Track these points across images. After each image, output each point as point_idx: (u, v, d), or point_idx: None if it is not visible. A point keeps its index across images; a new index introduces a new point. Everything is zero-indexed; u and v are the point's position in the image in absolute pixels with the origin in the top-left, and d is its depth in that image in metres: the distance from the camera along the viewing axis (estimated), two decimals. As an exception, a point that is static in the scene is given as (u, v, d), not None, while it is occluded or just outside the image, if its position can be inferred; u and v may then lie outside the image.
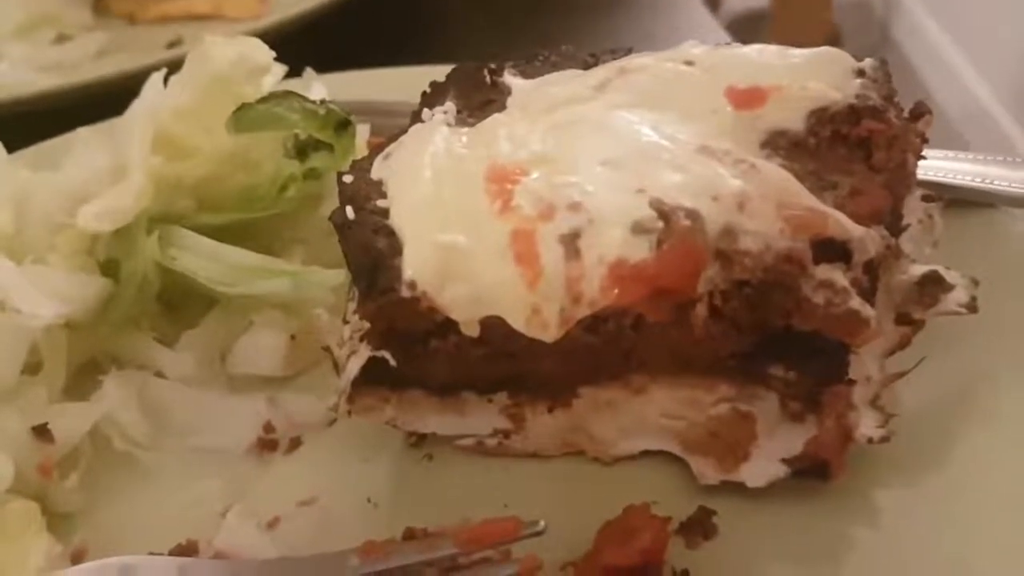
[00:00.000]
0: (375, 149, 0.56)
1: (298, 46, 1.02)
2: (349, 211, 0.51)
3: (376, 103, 0.82)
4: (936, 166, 0.64)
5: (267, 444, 0.58)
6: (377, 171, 0.54)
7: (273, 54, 0.69)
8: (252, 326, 0.62)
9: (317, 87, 0.73)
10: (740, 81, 0.54)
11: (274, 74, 0.72)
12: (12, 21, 1.11)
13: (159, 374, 0.61)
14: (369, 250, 0.49)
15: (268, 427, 0.59)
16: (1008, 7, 3.31)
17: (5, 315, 0.56)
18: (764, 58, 0.55)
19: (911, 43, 3.84)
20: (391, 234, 0.50)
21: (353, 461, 0.57)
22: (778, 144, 0.52)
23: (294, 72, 0.77)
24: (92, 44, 1.11)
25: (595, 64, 0.60)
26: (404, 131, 0.58)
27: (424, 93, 0.60)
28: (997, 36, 3.36)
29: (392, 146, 0.55)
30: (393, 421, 0.55)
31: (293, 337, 0.62)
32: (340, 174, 0.54)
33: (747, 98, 0.53)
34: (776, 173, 0.50)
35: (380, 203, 0.51)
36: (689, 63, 0.56)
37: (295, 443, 0.58)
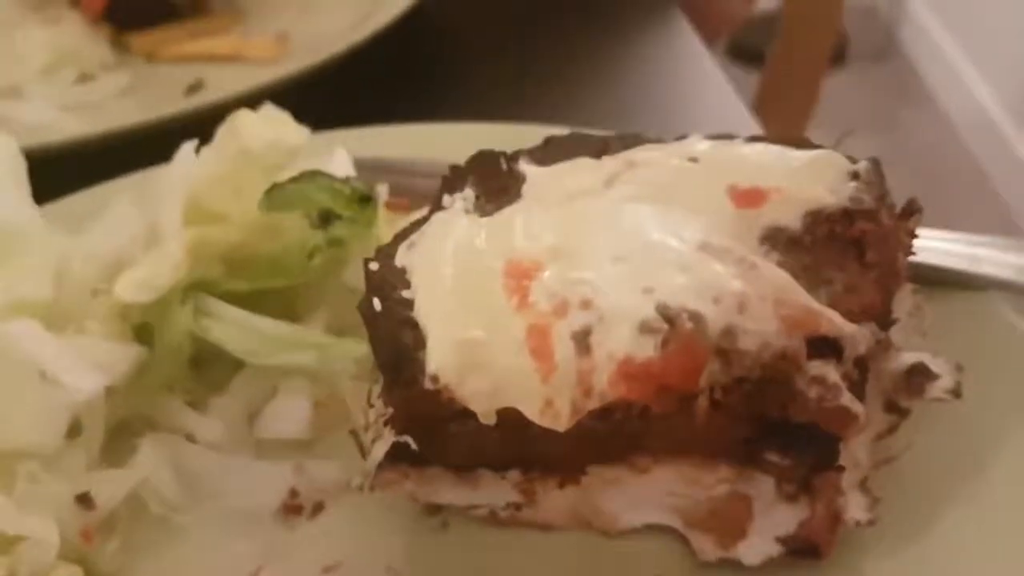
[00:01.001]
0: (398, 236, 0.60)
1: (317, 91, 1.06)
2: (376, 303, 0.54)
3: (394, 161, 0.86)
4: (927, 247, 0.67)
5: (292, 509, 0.62)
6: (401, 259, 0.58)
7: (300, 129, 0.73)
8: (278, 392, 0.65)
9: (340, 155, 0.76)
10: (742, 180, 0.57)
11: (301, 146, 0.75)
12: (37, 61, 1.15)
13: (189, 437, 0.65)
14: (396, 343, 0.53)
15: (293, 492, 0.62)
16: (1014, 12, 3.33)
17: (48, 387, 0.60)
18: (765, 159, 0.58)
19: (917, 47, 3.88)
20: (416, 327, 0.53)
21: (373, 528, 0.60)
22: (776, 240, 0.56)
23: (313, 117, 0.79)
24: (114, 83, 1.15)
25: (605, 151, 0.63)
26: (423, 207, 0.62)
27: (444, 178, 0.63)
28: (1002, 41, 3.39)
29: (415, 235, 0.58)
30: (413, 495, 0.59)
31: (317, 403, 0.66)
32: (367, 261, 0.58)
33: (748, 198, 0.57)
34: (774, 273, 0.53)
35: (405, 293, 0.55)
36: (693, 160, 0.60)
37: (318, 507, 0.62)
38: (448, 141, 0.76)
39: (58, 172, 0.86)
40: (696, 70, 1.14)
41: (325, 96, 1.07)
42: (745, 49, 3.61)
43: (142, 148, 0.85)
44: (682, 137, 0.63)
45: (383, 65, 1.15)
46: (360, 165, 0.78)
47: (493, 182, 0.62)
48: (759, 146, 0.60)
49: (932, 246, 0.68)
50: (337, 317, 0.70)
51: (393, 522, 0.61)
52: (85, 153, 1.01)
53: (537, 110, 0.91)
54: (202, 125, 0.77)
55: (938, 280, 0.66)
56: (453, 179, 0.63)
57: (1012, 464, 0.59)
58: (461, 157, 0.64)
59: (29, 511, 0.56)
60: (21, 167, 0.72)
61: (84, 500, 0.58)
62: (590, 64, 1.18)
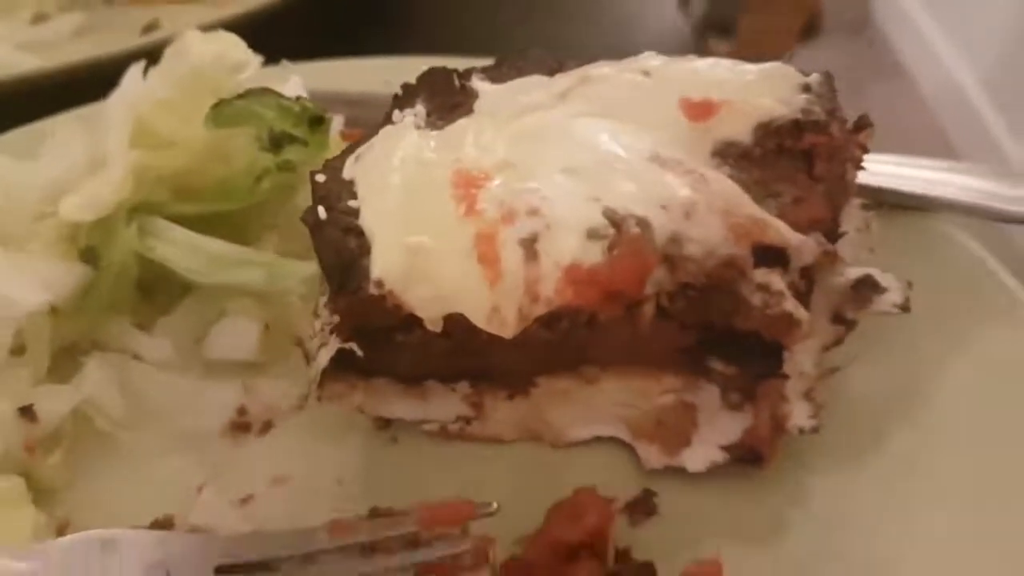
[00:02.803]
0: (347, 149, 0.59)
1: (274, 30, 1.05)
2: (321, 211, 0.54)
3: (349, 94, 0.85)
4: (882, 171, 0.68)
5: (240, 426, 0.61)
6: (349, 171, 0.57)
7: (250, 50, 0.72)
8: (226, 314, 0.65)
9: (293, 80, 0.75)
10: (693, 93, 0.57)
11: (251, 65, 0.74)
12: (-10, 1, 1.12)
13: (136, 357, 0.64)
14: (340, 250, 0.52)
15: (241, 410, 0.62)
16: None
17: (-10, 301, 0.59)
18: (716, 72, 0.58)
19: (892, 21, 3.89)
20: (361, 234, 0.53)
21: (323, 443, 0.60)
22: (727, 154, 0.56)
23: (269, 58, 0.78)
24: (69, 24, 1.13)
25: (559, 70, 0.63)
26: (375, 132, 0.61)
27: (395, 95, 0.63)
28: (977, 16, 3.40)
29: (363, 147, 0.58)
30: (361, 407, 0.58)
31: (266, 325, 0.65)
32: (313, 173, 0.57)
33: (699, 110, 0.56)
34: (722, 183, 0.53)
35: (351, 203, 0.54)
36: (646, 73, 0.59)
37: (267, 426, 0.62)
38: (406, 75, 0.75)
39: (16, 115, 0.84)
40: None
41: (286, 37, 1.06)
42: (717, 22, 3.63)
43: (98, 90, 0.83)
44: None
45: (345, 5, 1.13)
46: (315, 97, 0.76)
47: (445, 99, 0.62)
48: (711, 60, 0.59)
49: (887, 171, 0.68)
50: (288, 243, 0.69)
51: (343, 438, 0.61)
52: (41, 93, 0.98)
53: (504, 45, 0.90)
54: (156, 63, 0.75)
55: (893, 203, 0.67)
56: (404, 96, 0.63)
57: (958, 379, 0.59)
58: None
59: (-32, 421, 0.55)
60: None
61: (27, 413, 0.57)
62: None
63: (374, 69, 0.89)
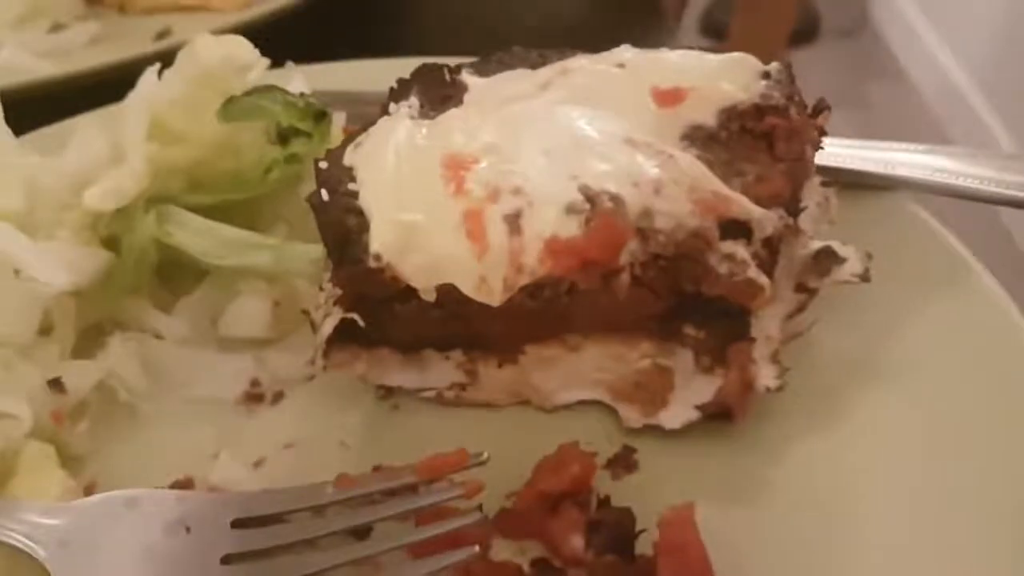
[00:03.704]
0: (347, 139, 0.64)
1: (280, 35, 1.10)
2: (324, 193, 0.59)
3: (351, 92, 0.90)
4: (846, 153, 0.73)
5: (254, 397, 0.66)
6: (349, 158, 0.62)
7: (257, 51, 0.77)
8: (239, 294, 0.70)
9: (298, 79, 0.80)
10: (663, 82, 0.62)
11: (258, 67, 0.79)
12: (11, 12, 1.18)
13: (156, 335, 0.69)
14: (341, 227, 0.57)
15: (254, 382, 0.67)
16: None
17: (22, 282, 0.64)
18: (684, 62, 0.63)
19: (889, 22, 3.94)
20: (360, 213, 0.58)
21: (330, 411, 0.65)
22: (695, 137, 0.61)
23: (275, 61, 0.84)
24: (85, 33, 1.19)
25: (542, 64, 0.68)
26: (373, 123, 0.66)
27: (391, 89, 0.68)
28: (973, 18, 3.45)
29: (362, 136, 0.63)
30: (364, 376, 0.63)
31: (276, 304, 0.70)
32: (316, 161, 0.62)
33: (668, 97, 0.61)
34: (689, 163, 0.58)
35: (351, 186, 0.60)
36: (620, 65, 0.64)
37: (278, 396, 0.67)
38: (402, 75, 0.80)
39: (37, 119, 0.89)
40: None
41: (290, 43, 1.11)
42: (714, 24, 3.70)
43: (114, 95, 0.88)
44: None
45: (345, 12, 1.19)
46: (317, 96, 0.82)
47: (437, 92, 0.67)
48: (680, 52, 0.64)
49: (850, 153, 0.73)
50: (295, 230, 0.74)
51: (349, 407, 0.66)
52: (60, 97, 1.04)
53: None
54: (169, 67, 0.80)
55: (856, 184, 0.71)
56: (399, 90, 0.68)
57: (914, 343, 0.64)
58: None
59: (3, 392, 0.60)
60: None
61: (56, 385, 0.62)
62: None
63: (372, 70, 0.94)
